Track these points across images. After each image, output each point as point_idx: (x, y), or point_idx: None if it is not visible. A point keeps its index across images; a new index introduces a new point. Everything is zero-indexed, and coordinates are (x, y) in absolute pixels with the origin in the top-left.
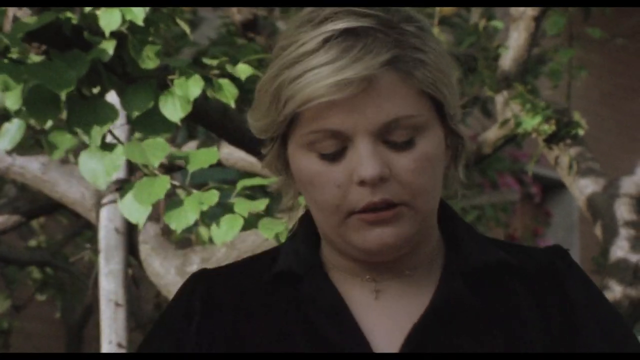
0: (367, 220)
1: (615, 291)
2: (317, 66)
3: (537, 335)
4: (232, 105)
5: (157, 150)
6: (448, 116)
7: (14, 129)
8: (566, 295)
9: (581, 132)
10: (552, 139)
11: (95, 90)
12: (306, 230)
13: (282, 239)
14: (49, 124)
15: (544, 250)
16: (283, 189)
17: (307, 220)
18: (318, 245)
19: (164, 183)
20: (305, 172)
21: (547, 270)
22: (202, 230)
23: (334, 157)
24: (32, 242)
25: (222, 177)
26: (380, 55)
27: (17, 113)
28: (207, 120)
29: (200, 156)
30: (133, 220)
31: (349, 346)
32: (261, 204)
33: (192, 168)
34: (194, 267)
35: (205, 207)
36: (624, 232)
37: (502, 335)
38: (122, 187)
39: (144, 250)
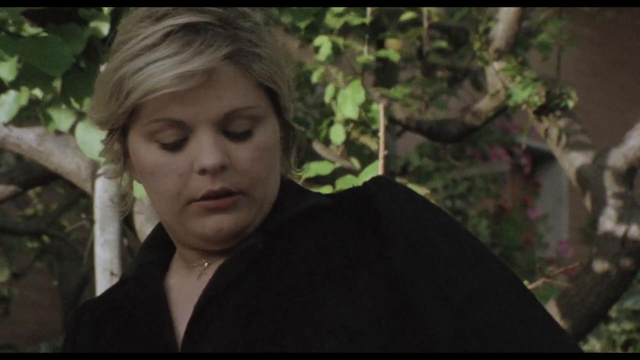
0: (207, 207)
1: (604, 261)
2: (159, 59)
3: (344, 267)
4: None
5: None
6: (283, 108)
7: (11, 100)
8: (376, 215)
9: (571, 103)
10: (542, 111)
11: (91, 64)
12: (154, 234)
13: None
14: (47, 97)
15: (364, 184)
16: (121, 182)
17: (159, 224)
18: (165, 246)
19: None
20: (147, 162)
21: (362, 199)
22: None
23: (175, 146)
24: (29, 212)
25: None
26: (221, 49)
27: (13, 84)
28: None
29: None
30: (135, 194)
31: (155, 332)
32: None
33: None
34: None
35: None
36: (612, 203)
37: (295, 282)
38: None
39: (139, 220)
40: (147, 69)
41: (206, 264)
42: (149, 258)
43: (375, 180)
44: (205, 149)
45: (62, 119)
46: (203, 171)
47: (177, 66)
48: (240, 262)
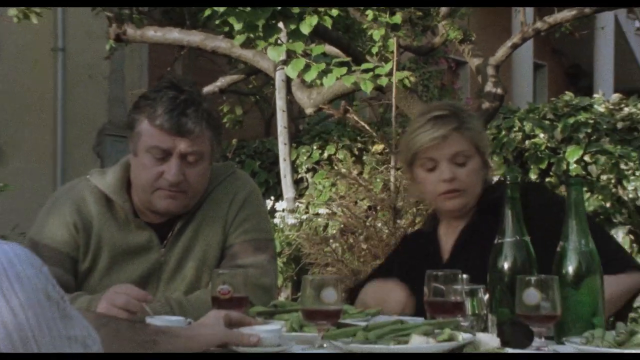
0: (443, 198)
1: (486, 104)
2: (422, 132)
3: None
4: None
5: (299, 47)
6: (480, 154)
7: (239, 38)
8: (527, 207)
9: (473, 38)
10: (461, 42)
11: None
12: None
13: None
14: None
15: (525, 184)
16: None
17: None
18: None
19: (302, 63)
20: (418, 179)
21: (526, 196)
22: (318, 80)
23: (430, 170)
24: (250, 85)
25: None
26: (448, 126)
27: (240, 31)
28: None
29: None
30: (292, 76)
31: (434, 257)
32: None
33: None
34: (314, 95)
35: (321, 68)
36: (490, 80)
37: (485, 241)
38: (285, 62)
39: (294, 88)
40: (417, 137)
41: (452, 228)
42: (429, 221)
43: (528, 184)
44: (442, 171)
45: (262, 45)
46: (443, 180)
47: (428, 135)
48: (469, 228)
